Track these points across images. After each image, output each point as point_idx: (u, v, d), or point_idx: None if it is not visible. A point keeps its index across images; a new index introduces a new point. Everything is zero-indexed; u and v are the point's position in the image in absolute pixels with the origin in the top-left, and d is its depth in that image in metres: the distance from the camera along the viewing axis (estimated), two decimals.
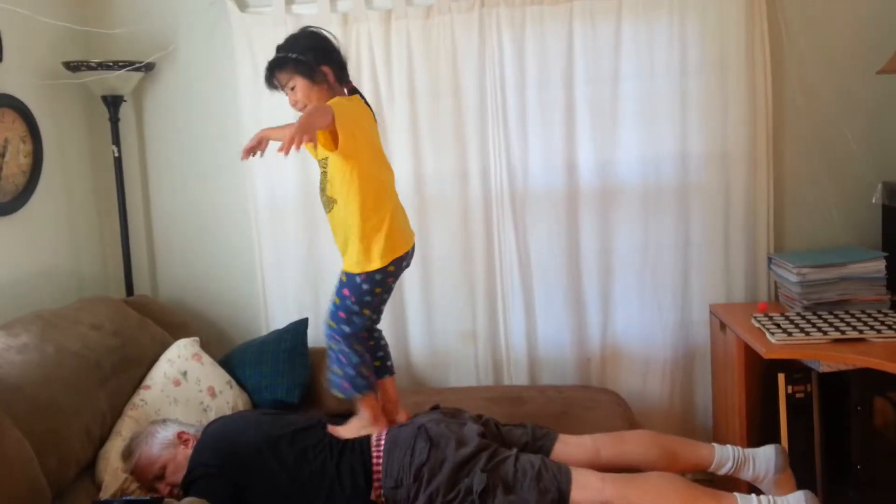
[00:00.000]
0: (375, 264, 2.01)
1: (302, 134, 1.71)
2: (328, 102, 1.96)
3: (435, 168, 2.80)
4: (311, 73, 2.02)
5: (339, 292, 2.05)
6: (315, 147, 1.88)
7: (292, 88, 2.03)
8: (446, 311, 2.86)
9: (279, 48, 2.07)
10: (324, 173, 2.06)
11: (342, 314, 2.04)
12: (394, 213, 2.05)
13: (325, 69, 2.03)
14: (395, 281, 2.09)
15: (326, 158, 2.02)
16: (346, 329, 2.04)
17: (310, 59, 2.02)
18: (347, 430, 2.09)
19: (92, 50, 2.83)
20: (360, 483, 1.95)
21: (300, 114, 2.00)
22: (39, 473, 1.80)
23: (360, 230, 1.99)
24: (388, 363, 2.25)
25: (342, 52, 2.11)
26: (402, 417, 2.19)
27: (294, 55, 2.02)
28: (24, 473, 1.74)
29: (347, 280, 2.03)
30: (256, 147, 1.82)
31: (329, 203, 2.06)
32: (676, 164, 2.73)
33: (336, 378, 2.08)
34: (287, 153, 1.69)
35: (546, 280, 2.83)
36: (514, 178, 2.79)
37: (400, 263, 2.06)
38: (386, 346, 2.26)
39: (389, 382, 2.24)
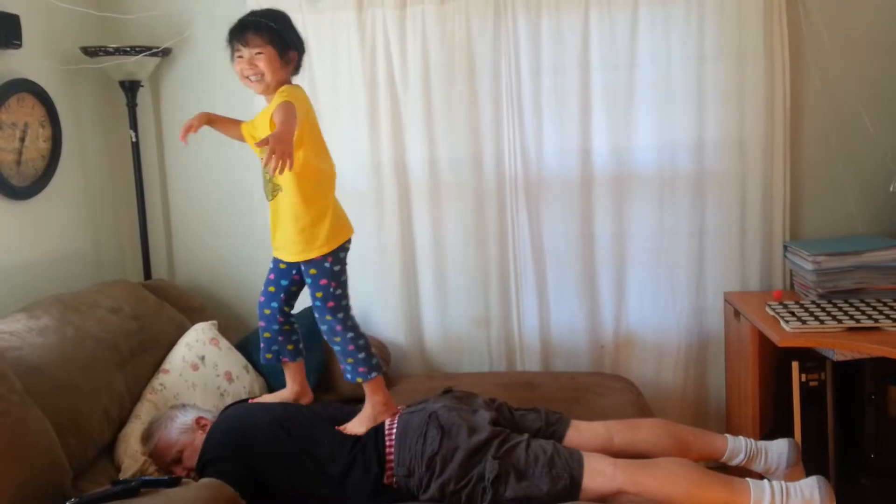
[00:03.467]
0: (329, 247, 2.04)
1: (286, 151, 1.72)
2: (282, 92, 1.96)
3: (449, 153, 2.80)
4: (283, 51, 2.01)
5: (316, 286, 2.04)
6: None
7: (258, 53, 1.99)
8: (460, 296, 2.87)
9: (256, 14, 2.05)
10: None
11: (331, 304, 2.05)
12: (335, 202, 2.09)
13: (294, 54, 2.04)
14: (346, 264, 2.11)
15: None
16: (341, 315, 2.06)
17: (290, 37, 2.03)
18: (361, 424, 2.07)
19: (109, 35, 2.85)
20: (374, 467, 1.97)
21: (251, 81, 2.00)
22: (61, 452, 1.83)
23: (307, 217, 2.01)
24: (301, 346, 2.25)
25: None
26: (307, 399, 2.24)
27: (275, 26, 2.00)
28: (46, 452, 1.78)
29: (318, 271, 2.04)
30: (194, 128, 1.90)
31: (273, 190, 2.05)
32: (692, 150, 2.71)
33: (351, 367, 2.09)
34: (274, 171, 1.70)
35: (559, 266, 2.83)
36: (528, 164, 2.78)
37: (346, 247, 2.10)
38: (299, 329, 2.25)
39: (302, 365, 2.26)
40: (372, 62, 2.76)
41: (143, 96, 2.90)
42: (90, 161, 2.83)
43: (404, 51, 2.75)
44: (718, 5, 2.63)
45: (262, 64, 1.99)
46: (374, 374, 2.08)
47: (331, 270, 2.05)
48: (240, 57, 2.01)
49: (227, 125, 2.20)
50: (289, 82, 2.06)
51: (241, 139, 2.19)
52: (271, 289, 2.17)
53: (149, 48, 2.71)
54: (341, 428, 2.07)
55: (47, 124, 2.55)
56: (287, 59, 2.02)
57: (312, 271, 2.05)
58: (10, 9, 2.37)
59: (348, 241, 2.11)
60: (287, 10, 2.71)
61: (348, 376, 2.11)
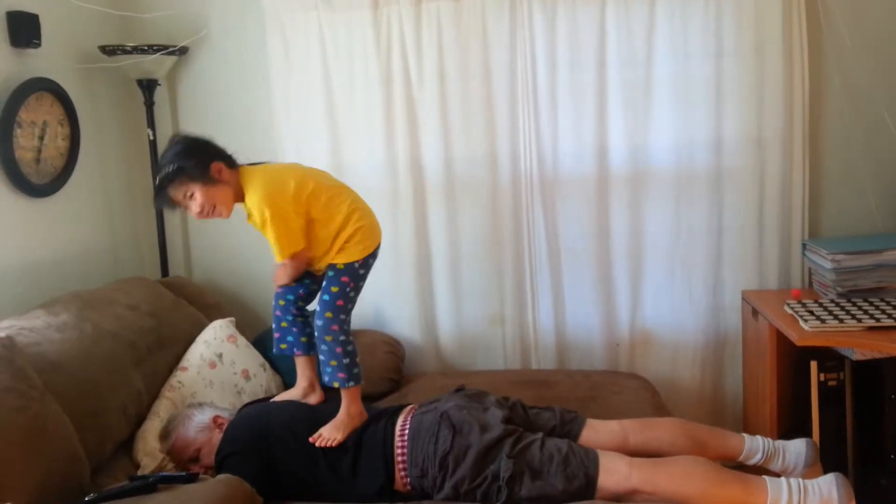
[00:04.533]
0: (365, 252, 2.07)
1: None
2: (253, 195, 1.98)
3: (464, 151, 2.79)
4: (204, 176, 1.98)
5: (335, 282, 2.05)
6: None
7: (191, 196, 1.98)
8: (475, 294, 2.86)
9: (159, 168, 2.01)
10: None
11: (340, 302, 2.05)
12: (354, 204, 2.09)
13: (216, 165, 2.00)
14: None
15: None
16: (342, 316, 2.06)
17: (195, 162, 1.98)
18: (337, 430, 2.04)
19: (127, 34, 2.87)
20: (381, 472, 1.97)
21: (219, 216, 2.02)
22: (79, 448, 1.85)
23: (336, 233, 2.05)
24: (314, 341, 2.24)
25: (215, 141, 2.08)
26: (316, 397, 2.23)
27: (179, 165, 1.97)
28: (64, 447, 1.80)
29: (345, 268, 2.05)
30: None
31: None
32: (710, 148, 2.69)
33: (331, 370, 2.08)
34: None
35: (575, 264, 2.82)
36: (544, 162, 2.77)
37: (375, 253, 2.12)
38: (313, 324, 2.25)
39: (313, 361, 2.25)
40: (387, 60, 2.76)
41: (160, 95, 2.92)
42: (108, 159, 2.86)
43: (420, 49, 2.74)
44: (736, 1, 2.60)
45: (200, 199, 1.98)
46: (351, 384, 2.07)
47: (356, 272, 2.07)
48: (185, 209, 2.03)
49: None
50: (237, 182, 2.03)
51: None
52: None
53: (166, 47, 2.73)
54: (314, 437, 2.03)
55: (66, 123, 2.57)
56: (213, 176, 1.99)
57: (340, 266, 2.06)
58: (30, 8, 2.40)
59: (377, 248, 2.13)
60: (302, 9, 2.76)
61: (325, 378, 2.10)
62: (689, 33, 2.65)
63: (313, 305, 2.19)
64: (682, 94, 2.67)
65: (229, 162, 2.05)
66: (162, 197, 2.01)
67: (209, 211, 2.00)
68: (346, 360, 2.07)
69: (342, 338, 2.07)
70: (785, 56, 2.59)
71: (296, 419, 2.09)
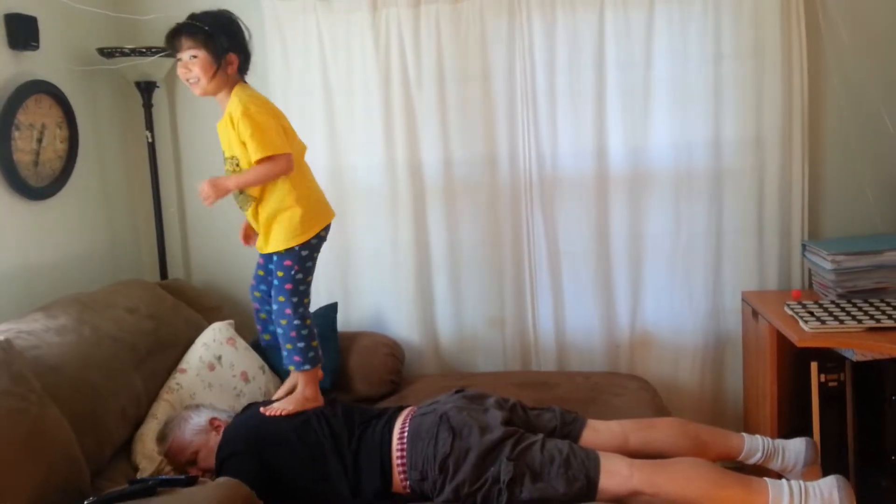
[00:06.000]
0: (308, 234, 2.08)
1: (211, 198, 1.98)
2: (237, 102, 2.00)
3: (463, 153, 2.79)
4: (217, 54, 2.01)
5: (279, 267, 2.08)
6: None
7: (193, 57, 1.99)
8: (474, 296, 2.86)
9: (194, 17, 2.05)
10: (235, 172, 2.07)
11: (288, 286, 2.08)
12: (310, 185, 2.13)
13: (232, 57, 2.04)
14: (318, 251, 2.15)
15: (234, 157, 2.06)
16: (295, 300, 2.08)
17: (223, 41, 2.02)
18: (289, 403, 2.10)
19: (125, 36, 2.86)
20: (376, 473, 1.96)
21: (189, 83, 2.03)
22: (79, 452, 1.84)
23: (286, 205, 2.05)
24: None
25: (250, 44, 2.11)
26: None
27: (209, 29, 2.00)
28: (64, 450, 1.79)
29: (286, 252, 2.07)
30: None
31: (247, 200, 2.09)
32: (709, 149, 2.69)
33: (287, 353, 2.12)
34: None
35: (575, 266, 2.82)
36: (543, 164, 2.77)
37: (324, 234, 2.14)
38: None
39: None
40: (386, 62, 2.76)
41: (158, 97, 2.91)
42: (106, 161, 2.85)
43: (418, 51, 2.74)
44: (735, 3, 2.60)
45: (197, 68, 2.00)
46: (306, 367, 2.11)
47: (298, 255, 2.08)
48: (178, 60, 2.03)
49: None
50: (232, 84, 2.05)
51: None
52: (260, 272, 2.23)
53: (164, 49, 2.72)
54: (265, 409, 2.09)
55: (64, 125, 2.57)
56: (225, 61, 2.02)
57: (282, 250, 2.08)
58: (28, 11, 2.40)
59: (325, 230, 2.14)
60: (301, 11, 2.76)
61: (284, 362, 2.15)
62: (687, 35, 2.65)
63: (315, 305, 2.20)
64: (680, 95, 2.68)
65: (244, 63, 2.08)
66: (177, 35, 2.01)
67: (192, 80, 2.01)
68: (300, 344, 2.10)
69: (296, 321, 2.09)
70: (784, 57, 2.60)
71: (298, 418, 2.08)
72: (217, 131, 2.13)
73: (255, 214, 2.11)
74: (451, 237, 2.83)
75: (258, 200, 2.08)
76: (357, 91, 2.79)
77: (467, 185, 2.81)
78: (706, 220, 2.73)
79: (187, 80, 2.03)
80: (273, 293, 2.10)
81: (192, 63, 2.00)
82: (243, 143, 2.00)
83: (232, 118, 2.02)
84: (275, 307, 2.10)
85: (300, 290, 2.10)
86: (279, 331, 2.12)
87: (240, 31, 2.08)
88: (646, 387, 2.58)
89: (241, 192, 2.09)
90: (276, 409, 2.09)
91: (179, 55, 2.02)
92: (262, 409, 2.10)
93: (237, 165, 2.06)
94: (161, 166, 2.95)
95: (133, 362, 2.21)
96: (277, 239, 2.08)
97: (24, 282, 2.39)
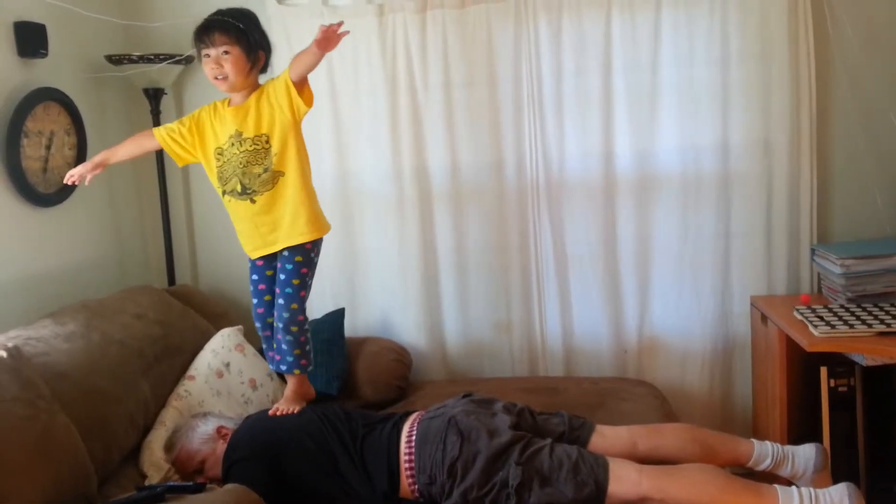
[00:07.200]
0: (326, 227, 2.11)
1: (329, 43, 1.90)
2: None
3: (470, 158, 2.79)
4: (250, 51, 2.02)
5: (296, 274, 2.08)
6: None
7: (225, 53, 1.99)
8: (481, 301, 2.86)
9: (223, 13, 2.04)
10: (262, 150, 2.04)
11: (303, 293, 2.10)
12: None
13: (262, 54, 2.06)
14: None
15: (263, 135, 2.03)
16: (304, 306, 2.11)
17: (257, 38, 2.04)
18: (294, 403, 2.15)
19: (133, 44, 2.88)
20: (384, 477, 1.96)
21: (217, 81, 2.03)
22: (87, 458, 1.85)
23: (308, 195, 2.07)
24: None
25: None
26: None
27: (249, 29, 2.01)
28: (72, 457, 1.80)
29: (303, 259, 2.08)
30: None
31: (273, 178, 2.04)
32: (717, 153, 2.68)
33: (294, 359, 2.13)
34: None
35: (582, 270, 2.81)
36: (549, 168, 2.77)
37: (320, 244, 2.17)
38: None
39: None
40: (393, 67, 2.76)
41: (166, 103, 2.92)
42: (115, 168, 2.85)
43: (425, 55, 2.74)
44: (742, 6, 2.60)
45: (227, 65, 2.00)
46: (310, 368, 2.17)
47: (311, 258, 2.10)
48: (207, 56, 2.02)
49: (130, 147, 2.20)
50: (257, 83, 2.08)
51: (156, 149, 2.22)
52: (268, 297, 2.18)
53: (172, 56, 2.74)
54: (272, 410, 2.13)
55: (73, 132, 2.58)
56: (255, 58, 2.04)
57: (298, 258, 2.07)
58: (37, 18, 2.41)
59: (321, 241, 2.17)
60: (308, 16, 2.77)
61: (283, 367, 2.15)
62: (694, 38, 2.64)
63: (321, 311, 2.20)
64: (688, 99, 2.67)
65: (265, 66, 2.10)
66: (209, 31, 2.00)
67: (221, 76, 2.01)
68: (307, 347, 2.15)
69: (306, 327, 2.14)
70: (791, 60, 2.59)
71: (311, 424, 2.09)
72: (224, 121, 2.10)
73: (268, 206, 2.06)
74: (458, 242, 2.83)
75: (290, 178, 2.04)
76: (363, 96, 2.80)
77: (474, 190, 2.81)
78: (714, 224, 2.72)
79: (215, 77, 2.02)
80: (282, 303, 2.09)
81: (224, 59, 2.00)
82: (282, 109, 1.99)
83: (267, 90, 2.03)
84: (286, 315, 2.09)
85: (306, 297, 2.12)
86: (288, 338, 2.11)
87: (268, 39, 2.11)
88: (654, 392, 2.57)
89: (266, 169, 2.04)
90: (283, 409, 2.12)
91: (209, 51, 2.01)
92: (269, 412, 2.12)
93: (267, 142, 2.03)
94: (169, 173, 2.96)
95: (141, 368, 2.22)
96: (304, 229, 2.06)
97: (32, 288, 2.40)
